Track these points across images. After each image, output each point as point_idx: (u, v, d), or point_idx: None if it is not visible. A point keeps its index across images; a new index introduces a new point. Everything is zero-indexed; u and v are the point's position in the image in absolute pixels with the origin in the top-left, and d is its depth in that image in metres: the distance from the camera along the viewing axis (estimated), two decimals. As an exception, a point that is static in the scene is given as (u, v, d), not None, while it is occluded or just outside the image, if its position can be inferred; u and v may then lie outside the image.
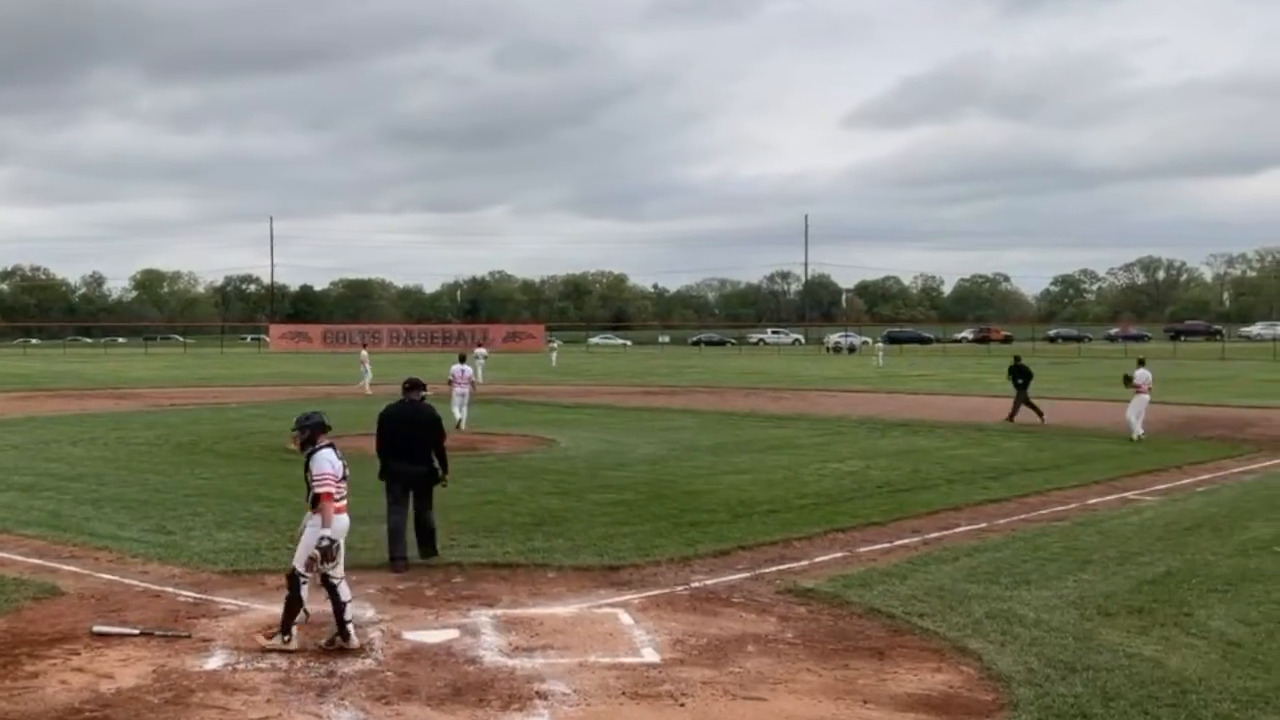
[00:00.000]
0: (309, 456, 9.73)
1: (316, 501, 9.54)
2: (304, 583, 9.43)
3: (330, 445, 9.80)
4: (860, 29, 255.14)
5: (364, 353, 45.60)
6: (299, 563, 9.49)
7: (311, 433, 9.84)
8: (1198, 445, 24.75)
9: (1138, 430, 25.22)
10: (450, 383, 28.40)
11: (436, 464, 12.90)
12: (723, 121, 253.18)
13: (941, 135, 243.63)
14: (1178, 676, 8.61)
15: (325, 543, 9.37)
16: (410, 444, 12.81)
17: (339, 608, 9.43)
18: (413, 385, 13.30)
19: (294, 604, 9.41)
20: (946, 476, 19.64)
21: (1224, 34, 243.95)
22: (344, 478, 9.77)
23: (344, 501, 9.80)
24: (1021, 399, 30.51)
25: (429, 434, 12.89)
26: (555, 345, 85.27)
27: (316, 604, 9.66)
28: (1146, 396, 25.69)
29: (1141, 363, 27.14)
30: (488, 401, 36.59)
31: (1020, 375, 30.82)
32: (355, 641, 9.39)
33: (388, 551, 12.59)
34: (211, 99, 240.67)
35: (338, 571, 9.50)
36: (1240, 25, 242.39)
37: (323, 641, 9.44)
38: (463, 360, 31.23)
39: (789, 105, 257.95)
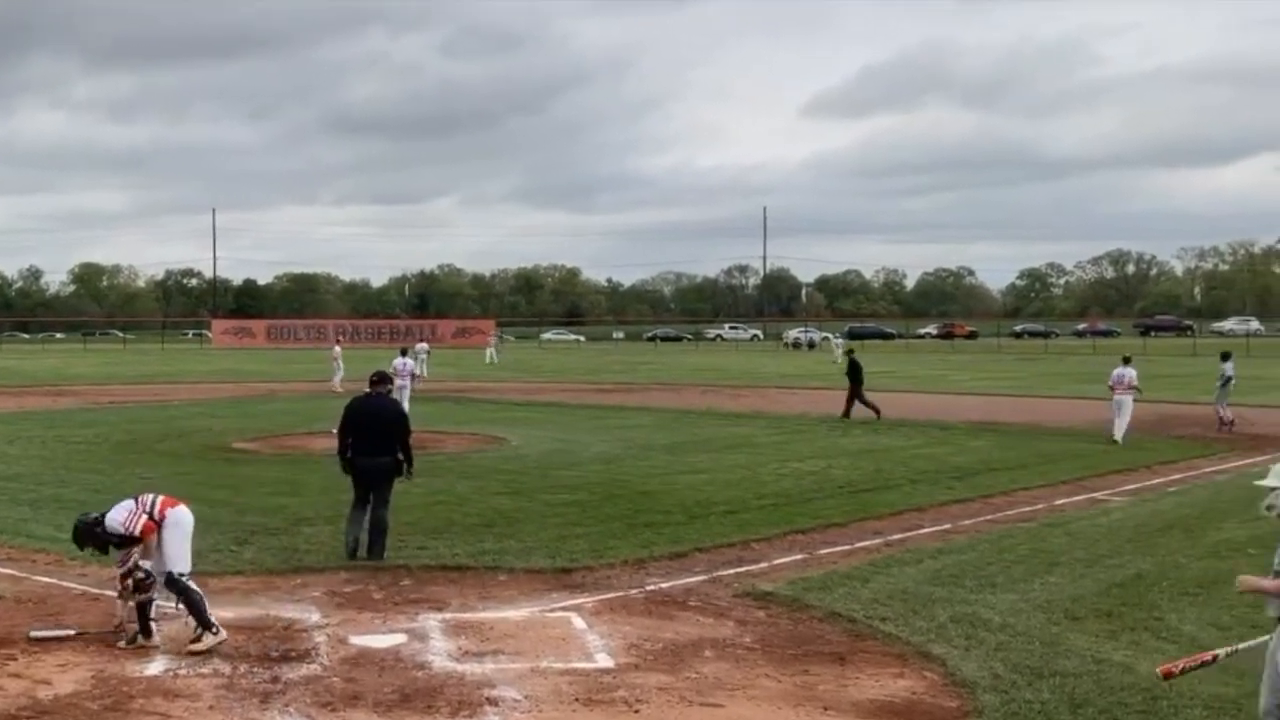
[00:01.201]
0: (104, 530, 9.66)
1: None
2: (186, 579, 9.45)
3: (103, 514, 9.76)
4: (820, 15, 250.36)
5: (337, 349, 45.42)
6: (170, 569, 9.47)
7: (95, 539, 9.75)
8: (1169, 444, 24.55)
9: (1115, 433, 24.32)
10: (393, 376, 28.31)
11: (401, 457, 12.91)
12: (679, 110, 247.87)
13: (903, 125, 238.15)
14: (1148, 682, 8.41)
15: (141, 574, 9.47)
16: (375, 437, 12.87)
17: (148, 606, 9.49)
18: (379, 379, 13.51)
19: (194, 600, 9.39)
20: (910, 476, 19.44)
21: (1194, 20, 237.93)
22: (137, 497, 9.84)
23: (164, 495, 9.93)
24: (855, 395, 30.51)
25: (394, 428, 12.96)
26: (494, 340, 78.71)
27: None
28: (1119, 398, 24.65)
29: (1126, 360, 25.97)
30: (437, 399, 36.30)
31: (854, 371, 30.78)
32: (156, 640, 9.45)
33: (345, 544, 12.77)
34: (150, 87, 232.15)
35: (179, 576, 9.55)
36: (1211, 10, 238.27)
37: (122, 642, 9.43)
38: (404, 354, 33.10)
39: (747, 93, 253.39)
